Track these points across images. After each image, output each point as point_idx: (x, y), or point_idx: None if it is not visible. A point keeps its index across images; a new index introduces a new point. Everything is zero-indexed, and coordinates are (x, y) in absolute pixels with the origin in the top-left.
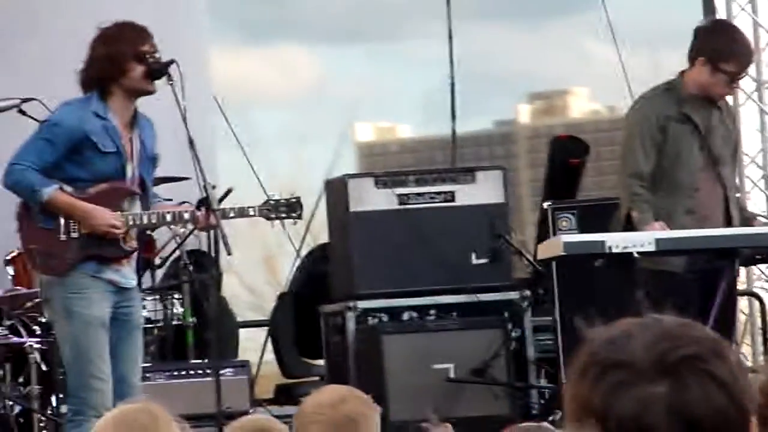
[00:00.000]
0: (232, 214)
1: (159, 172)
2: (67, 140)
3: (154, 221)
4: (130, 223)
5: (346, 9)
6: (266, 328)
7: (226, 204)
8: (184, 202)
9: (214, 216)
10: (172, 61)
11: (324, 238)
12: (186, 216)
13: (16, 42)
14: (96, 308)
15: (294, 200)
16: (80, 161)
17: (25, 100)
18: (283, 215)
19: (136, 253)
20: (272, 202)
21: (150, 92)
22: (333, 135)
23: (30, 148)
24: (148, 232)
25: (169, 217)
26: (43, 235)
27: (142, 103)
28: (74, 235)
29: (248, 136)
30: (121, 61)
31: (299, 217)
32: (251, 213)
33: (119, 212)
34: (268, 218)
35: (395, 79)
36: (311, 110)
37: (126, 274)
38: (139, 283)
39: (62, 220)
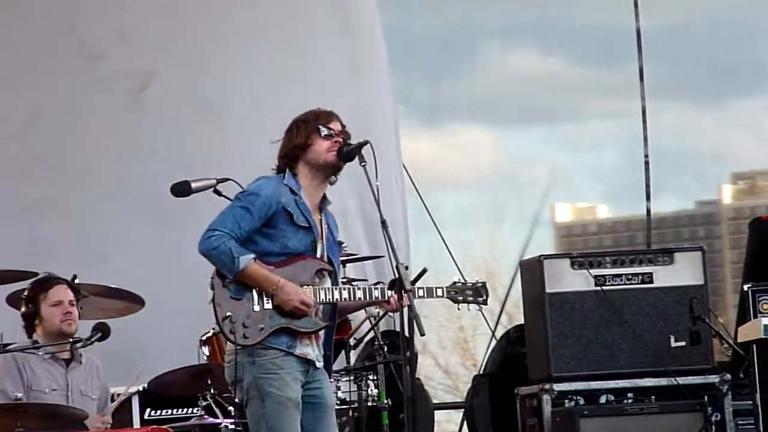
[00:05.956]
0: (420, 293)
1: (351, 251)
2: (264, 210)
3: (345, 297)
4: (322, 297)
5: (522, 89)
6: (462, 410)
7: (421, 283)
8: (378, 283)
9: (407, 296)
10: (366, 142)
11: (520, 318)
12: (376, 293)
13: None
14: (289, 389)
15: (480, 285)
16: (273, 235)
17: (220, 181)
18: (470, 299)
19: (323, 333)
20: (459, 284)
21: (335, 168)
22: (522, 216)
23: (228, 215)
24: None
25: (359, 294)
26: (236, 305)
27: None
28: (267, 306)
29: (434, 217)
30: (304, 134)
31: (485, 302)
32: (439, 294)
33: (311, 286)
34: (455, 301)
35: (581, 158)
36: (496, 191)
37: (315, 349)
38: (329, 366)
39: (255, 291)
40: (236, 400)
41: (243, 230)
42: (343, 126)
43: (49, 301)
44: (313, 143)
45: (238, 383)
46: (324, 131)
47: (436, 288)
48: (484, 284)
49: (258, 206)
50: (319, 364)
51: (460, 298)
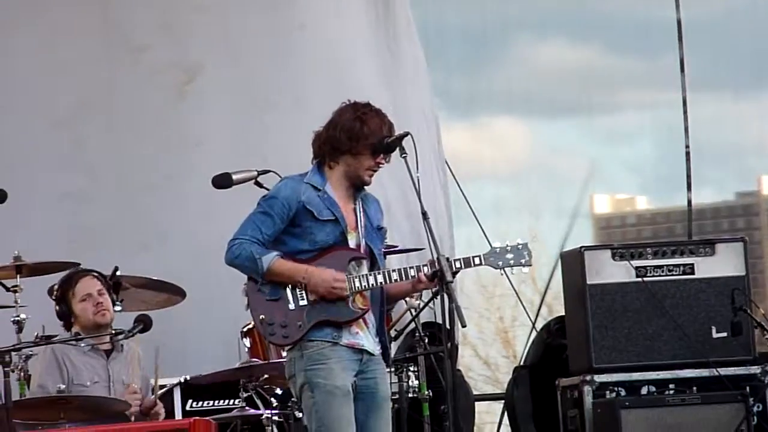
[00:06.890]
0: (458, 265)
1: (393, 243)
2: (285, 211)
3: (380, 280)
4: (357, 284)
5: (558, 81)
6: (502, 401)
7: (460, 275)
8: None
9: (447, 288)
10: (406, 134)
11: (559, 309)
12: (412, 273)
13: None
14: (337, 378)
15: (521, 245)
16: (299, 233)
17: (261, 173)
18: (512, 262)
19: (374, 320)
20: (498, 248)
21: (365, 184)
22: (560, 208)
23: (248, 222)
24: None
25: (395, 275)
26: (272, 306)
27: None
28: (302, 302)
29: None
30: (361, 144)
31: (528, 263)
32: (477, 262)
33: (346, 275)
34: (495, 266)
35: (618, 150)
36: (533, 183)
37: (364, 337)
38: (385, 353)
39: (288, 290)
40: (281, 391)
41: (265, 234)
42: (392, 134)
43: (78, 297)
44: (362, 155)
45: (291, 379)
46: (377, 149)
47: (474, 257)
48: (525, 245)
49: (277, 209)
50: (377, 352)
51: (500, 263)
